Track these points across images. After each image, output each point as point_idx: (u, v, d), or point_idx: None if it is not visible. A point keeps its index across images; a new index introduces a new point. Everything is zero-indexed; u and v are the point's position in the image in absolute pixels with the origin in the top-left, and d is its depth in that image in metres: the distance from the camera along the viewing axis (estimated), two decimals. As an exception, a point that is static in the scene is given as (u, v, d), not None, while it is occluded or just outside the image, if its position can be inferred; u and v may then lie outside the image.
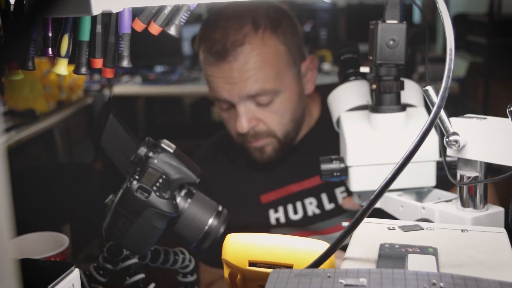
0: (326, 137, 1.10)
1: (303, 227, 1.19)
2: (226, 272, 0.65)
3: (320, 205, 1.18)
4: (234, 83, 1.07)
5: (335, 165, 0.80)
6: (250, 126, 1.11)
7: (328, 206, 1.17)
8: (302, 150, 1.21)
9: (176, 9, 0.62)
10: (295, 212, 1.19)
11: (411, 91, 0.84)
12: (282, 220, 1.20)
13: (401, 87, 0.76)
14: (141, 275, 0.82)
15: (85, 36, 0.65)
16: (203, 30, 1.13)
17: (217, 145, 1.30)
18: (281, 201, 1.21)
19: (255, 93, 1.08)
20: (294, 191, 1.20)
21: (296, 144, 1.20)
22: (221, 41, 1.07)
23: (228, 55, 1.07)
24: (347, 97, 0.86)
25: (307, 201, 1.18)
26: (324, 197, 1.17)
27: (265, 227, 1.20)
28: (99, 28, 0.65)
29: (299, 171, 1.19)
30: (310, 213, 1.18)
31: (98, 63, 0.66)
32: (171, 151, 0.76)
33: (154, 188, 0.74)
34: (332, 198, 1.17)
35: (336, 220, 1.17)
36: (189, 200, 0.78)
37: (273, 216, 1.20)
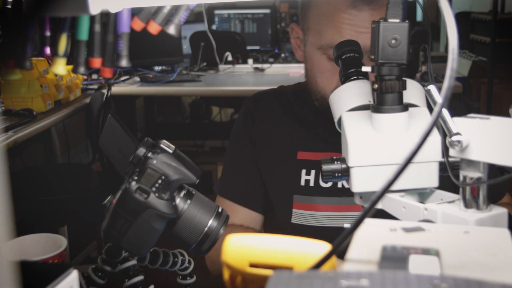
0: None
1: (328, 196, 1.18)
2: (226, 273, 0.64)
3: None
4: (366, 32, 1.05)
5: (336, 165, 0.80)
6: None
7: None
8: None
9: (175, 8, 0.61)
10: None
11: (413, 91, 0.83)
12: (312, 183, 1.19)
13: (403, 87, 0.75)
14: (140, 277, 0.82)
15: (84, 35, 0.64)
16: None
17: (275, 97, 1.31)
18: (316, 163, 1.19)
19: None
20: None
21: None
22: None
23: (371, 2, 1.07)
24: (349, 96, 0.85)
25: None
26: None
27: (293, 188, 1.20)
28: (97, 27, 0.64)
29: None
30: (339, 185, 1.17)
31: (97, 62, 0.65)
32: (170, 151, 0.75)
33: (153, 189, 0.73)
34: None
35: None
36: (188, 201, 0.77)
37: (304, 177, 1.20)
